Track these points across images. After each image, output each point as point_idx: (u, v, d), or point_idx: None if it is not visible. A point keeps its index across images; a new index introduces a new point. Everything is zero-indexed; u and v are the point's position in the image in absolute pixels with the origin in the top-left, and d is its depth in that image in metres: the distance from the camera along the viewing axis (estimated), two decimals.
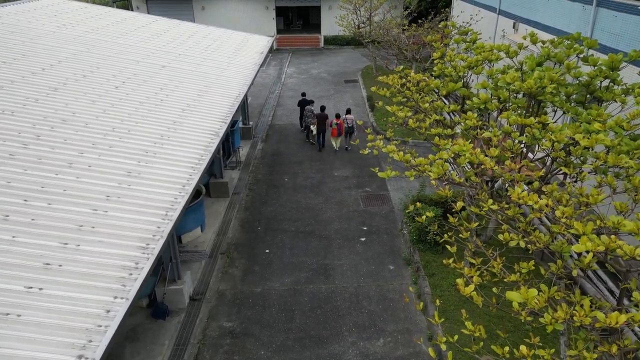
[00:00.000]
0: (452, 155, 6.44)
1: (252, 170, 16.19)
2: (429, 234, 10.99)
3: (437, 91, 9.32)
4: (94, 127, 7.92)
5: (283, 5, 36.28)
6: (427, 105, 8.09)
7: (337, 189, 14.68)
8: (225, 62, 13.85)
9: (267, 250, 11.61)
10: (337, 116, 16.83)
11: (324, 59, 32.50)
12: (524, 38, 9.72)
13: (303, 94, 19.78)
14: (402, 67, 9.20)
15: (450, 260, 5.32)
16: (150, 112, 8.93)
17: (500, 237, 5.36)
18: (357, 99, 23.58)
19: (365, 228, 12.50)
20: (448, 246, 6.38)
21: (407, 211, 12.36)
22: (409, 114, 8.01)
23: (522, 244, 5.23)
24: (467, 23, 18.79)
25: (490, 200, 5.70)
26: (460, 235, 6.00)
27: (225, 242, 12.06)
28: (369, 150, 8.41)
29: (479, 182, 6.63)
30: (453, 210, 6.42)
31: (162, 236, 5.75)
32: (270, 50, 34.29)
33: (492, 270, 5.01)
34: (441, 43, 10.43)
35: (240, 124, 18.45)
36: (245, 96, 18.01)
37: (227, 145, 16.23)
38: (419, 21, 20.01)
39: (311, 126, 17.69)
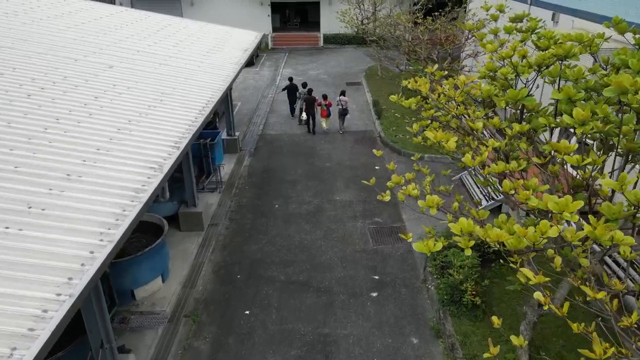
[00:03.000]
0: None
1: (236, 192, 13.30)
2: (466, 293, 8.09)
3: (474, 100, 6.45)
4: None
5: (279, 1, 33.39)
6: (480, 125, 5.20)
7: (339, 219, 11.77)
8: (197, 61, 10.93)
9: (247, 312, 8.70)
10: (325, 97, 16.93)
11: (323, 58, 29.63)
12: (607, 26, 6.78)
13: (290, 79, 19.01)
14: (435, 66, 6.33)
15: None
16: (64, 134, 6.02)
17: None
18: (360, 104, 20.68)
19: (376, 277, 9.59)
20: None
21: (431, 258, 9.46)
22: (454, 138, 5.13)
23: None
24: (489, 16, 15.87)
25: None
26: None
27: (192, 297, 9.16)
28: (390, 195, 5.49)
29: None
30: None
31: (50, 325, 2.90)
32: (261, 48, 31.42)
33: None
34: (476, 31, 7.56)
35: (224, 135, 15.57)
36: (230, 102, 15.15)
37: (205, 162, 13.35)
38: (434, 14, 17.11)
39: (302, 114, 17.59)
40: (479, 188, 12.29)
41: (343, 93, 17.05)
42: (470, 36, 15.63)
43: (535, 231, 3.60)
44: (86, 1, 14.06)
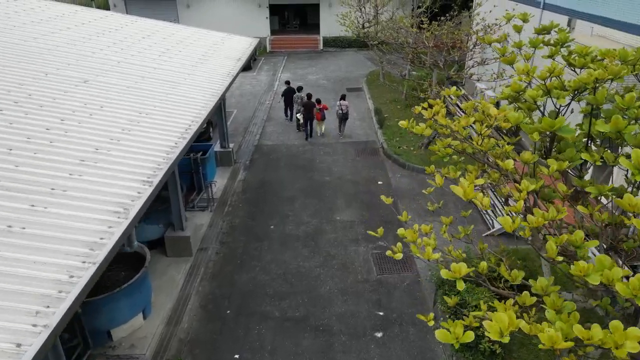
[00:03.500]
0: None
1: (229, 211, 12.37)
2: (483, 339, 7.15)
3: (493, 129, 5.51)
4: None
5: (278, 3, 32.46)
6: (511, 164, 4.28)
7: (340, 243, 10.84)
8: (184, 73, 9.99)
9: (237, 356, 7.78)
10: (318, 101, 16.66)
11: (323, 62, 28.68)
12: None
13: (287, 82, 18.79)
14: (453, 88, 5.43)
15: None
16: (15, 170, 5.07)
17: None
18: (361, 111, 19.75)
19: (381, 313, 8.67)
20: None
21: (442, 293, 8.51)
22: (480, 180, 4.22)
23: None
24: (498, 20, 14.91)
25: None
26: None
27: (176, 337, 8.24)
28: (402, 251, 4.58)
29: None
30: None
31: None
32: (258, 52, 30.49)
33: None
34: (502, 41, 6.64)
35: (218, 147, 14.66)
36: (224, 113, 14.22)
37: (196, 178, 12.44)
38: (440, 18, 16.16)
39: (298, 114, 17.37)
40: (491, 207, 11.37)
41: (343, 97, 16.91)
42: (478, 43, 14.67)
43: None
44: (69, 6, 13.13)
